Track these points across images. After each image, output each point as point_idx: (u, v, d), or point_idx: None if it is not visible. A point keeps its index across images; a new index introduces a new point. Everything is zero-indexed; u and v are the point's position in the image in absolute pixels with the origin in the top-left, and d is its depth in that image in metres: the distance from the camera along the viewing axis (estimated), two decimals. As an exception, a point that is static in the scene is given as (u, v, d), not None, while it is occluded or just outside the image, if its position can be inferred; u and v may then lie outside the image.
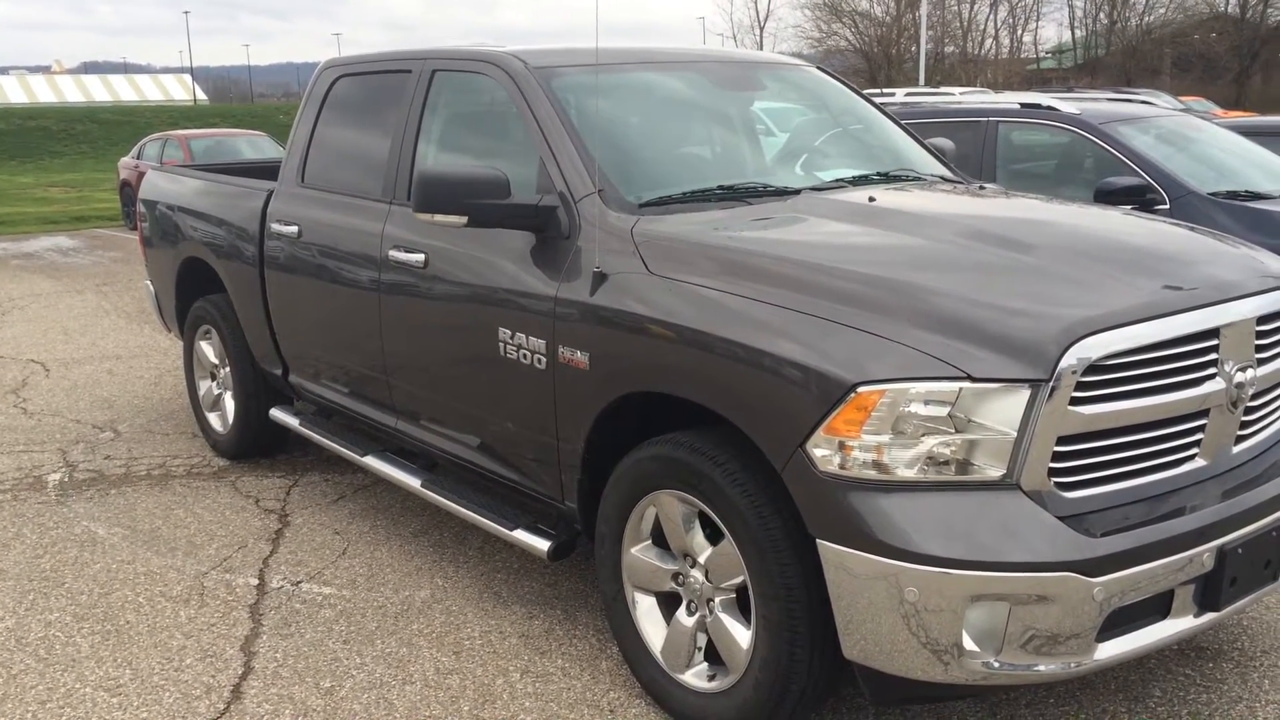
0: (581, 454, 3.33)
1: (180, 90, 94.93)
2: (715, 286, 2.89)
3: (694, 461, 2.90)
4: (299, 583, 4.17)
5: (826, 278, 2.79)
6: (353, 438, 4.65)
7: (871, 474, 2.54)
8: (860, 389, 2.51)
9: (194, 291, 5.74)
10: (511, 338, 3.48)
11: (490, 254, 3.62)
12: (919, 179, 3.95)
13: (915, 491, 2.53)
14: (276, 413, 5.11)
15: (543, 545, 3.54)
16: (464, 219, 3.43)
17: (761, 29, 53.08)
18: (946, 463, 2.50)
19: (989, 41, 60.67)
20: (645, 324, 3.00)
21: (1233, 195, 5.54)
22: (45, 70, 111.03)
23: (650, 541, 3.21)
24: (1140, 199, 5.43)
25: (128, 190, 17.74)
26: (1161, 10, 59.69)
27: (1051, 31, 64.85)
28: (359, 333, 4.31)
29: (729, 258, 2.97)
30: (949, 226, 3.12)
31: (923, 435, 2.51)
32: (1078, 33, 62.63)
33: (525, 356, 3.44)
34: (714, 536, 3.00)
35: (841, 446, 2.56)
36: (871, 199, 3.42)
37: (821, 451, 2.58)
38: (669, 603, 3.23)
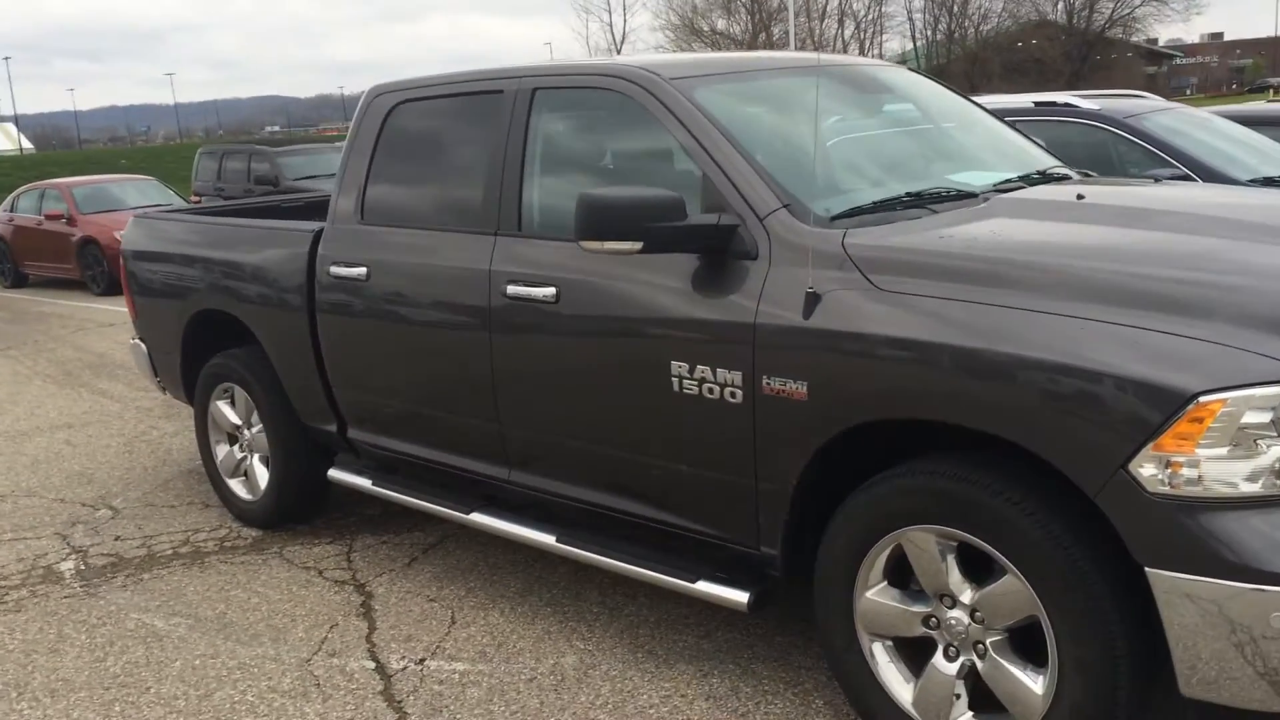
0: (791, 493, 3.05)
1: (3, 139, 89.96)
2: (980, 300, 2.65)
3: (965, 492, 2.66)
4: (422, 661, 3.74)
5: (1118, 280, 2.58)
6: (444, 494, 4.24)
7: (1212, 491, 2.34)
8: (1201, 399, 2.31)
9: (205, 348, 5.22)
10: (690, 372, 3.18)
11: (646, 282, 3.31)
12: (1070, 176, 3.80)
13: (1264, 508, 2.34)
14: (337, 473, 4.64)
15: (740, 597, 3.24)
16: (638, 245, 3.11)
17: (619, 51, 53.25)
18: None
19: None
20: (892, 345, 2.74)
21: (1269, 181, 5.60)
22: None
23: (886, 583, 2.95)
24: None
25: (1, 245, 16.53)
26: (995, 19, 62.51)
27: (896, 44, 67.13)
28: (460, 379, 3.92)
29: (985, 268, 2.74)
30: (1198, 220, 2.96)
31: (1267, 444, 2.32)
32: (919, 43, 65.02)
33: (711, 391, 3.14)
34: (976, 573, 2.77)
35: (1168, 464, 2.36)
36: (1080, 196, 3.24)
37: (1149, 471, 2.37)
38: (908, 649, 2.97)
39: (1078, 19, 62.13)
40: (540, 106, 3.78)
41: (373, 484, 4.46)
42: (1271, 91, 40.75)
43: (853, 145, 3.78)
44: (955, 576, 2.79)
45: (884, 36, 63.08)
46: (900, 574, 2.94)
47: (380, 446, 4.46)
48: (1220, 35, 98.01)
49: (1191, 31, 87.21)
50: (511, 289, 3.65)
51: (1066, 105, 6.19)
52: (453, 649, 3.81)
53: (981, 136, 4.03)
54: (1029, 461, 2.59)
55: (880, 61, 4.39)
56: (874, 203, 3.20)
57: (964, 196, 3.34)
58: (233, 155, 18.45)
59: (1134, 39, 66.44)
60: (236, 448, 5.22)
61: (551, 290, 3.54)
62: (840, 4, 56.78)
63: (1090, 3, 59.94)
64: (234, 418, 5.16)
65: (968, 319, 2.64)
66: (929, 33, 64.36)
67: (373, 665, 3.74)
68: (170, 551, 4.95)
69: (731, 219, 3.14)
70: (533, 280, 3.60)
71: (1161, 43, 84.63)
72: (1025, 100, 6.59)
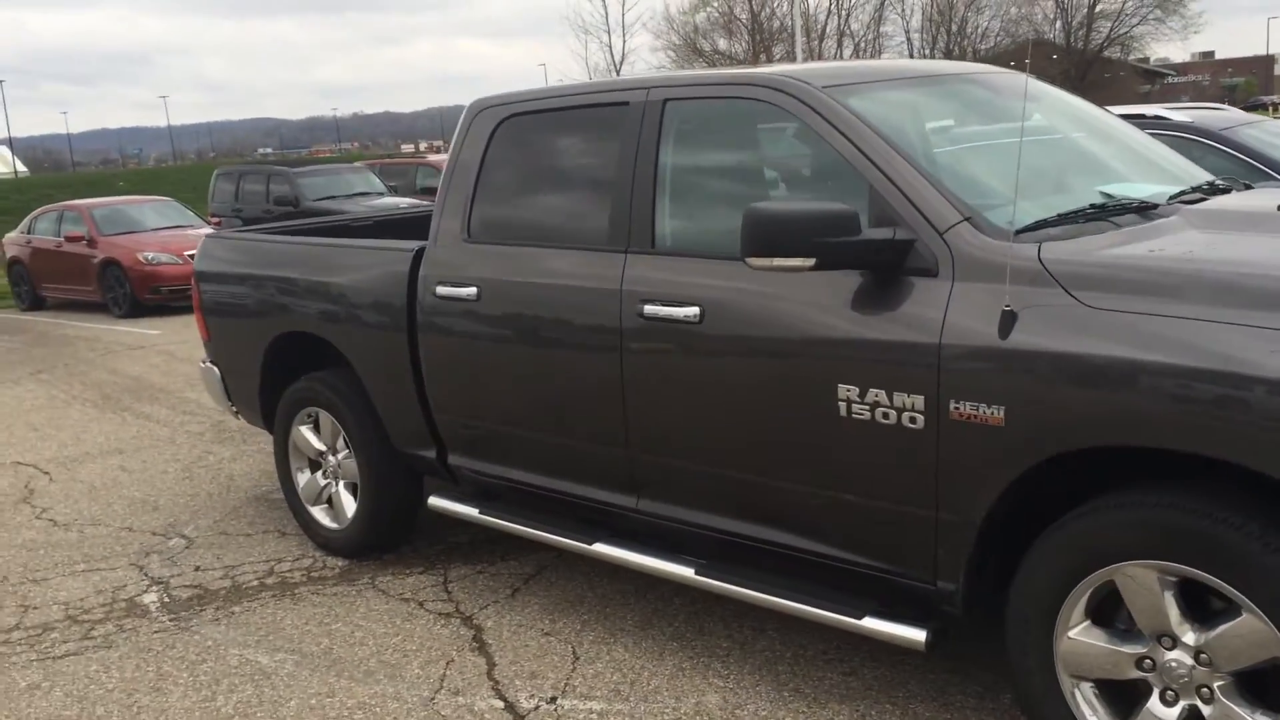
0: (979, 526, 2.87)
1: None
2: (1211, 319, 2.48)
3: (1198, 525, 2.48)
4: (554, 700, 3.55)
5: None
6: (558, 522, 4.05)
7: None
8: None
9: (287, 372, 5.04)
10: (861, 396, 3.00)
11: (805, 301, 3.14)
12: (1237, 187, 3.64)
13: None
14: (439, 501, 4.45)
15: (917, 635, 3.04)
16: (811, 261, 2.94)
17: (618, 72, 53.23)
18: None
19: (839, 74, 62.38)
20: (1111, 368, 2.55)
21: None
22: None
23: (1090, 622, 2.76)
24: None
25: (18, 268, 16.33)
26: (993, 39, 62.70)
27: (895, 63, 67.05)
28: (584, 402, 3.75)
29: (1209, 284, 2.56)
30: None
31: None
32: (918, 63, 65.00)
33: (886, 416, 2.96)
34: (1196, 611, 2.59)
35: None
36: None
37: None
38: (1112, 692, 2.78)
39: (1075, 39, 62.36)
40: (673, 118, 3.62)
41: (480, 513, 4.26)
42: (1272, 109, 40.89)
43: (1005, 156, 3.60)
44: (1176, 615, 2.60)
45: (882, 56, 63.21)
46: (1105, 612, 2.76)
47: (485, 473, 4.28)
48: (1211, 54, 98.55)
49: (1183, 51, 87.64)
50: (649, 309, 3.48)
51: (1157, 118, 6.05)
52: (583, 687, 3.62)
53: (1125, 147, 3.87)
54: (1258, 492, 2.43)
55: (1009, 71, 4.22)
56: (1059, 215, 3.03)
57: (1145, 208, 3.18)
58: (250, 176, 18.35)
59: (1131, 58, 66.73)
60: (320, 474, 5.03)
61: (694, 310, 3.37)
62: (839, 25, 56.90)
63: (1088, 22, 60.17)
64: (318, 444, 4.98)
65: (1201, 339, 2.46)
66: (927, 51, 64.56)
67: (501, 705, 3.54)
68: (256, 582, 4.75)
69: (907, 233, 2.97)
70: (672, 300, 3.43)
71: (1152, 62, 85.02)
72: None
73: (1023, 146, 3.16)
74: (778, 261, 2.96)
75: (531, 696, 3.58)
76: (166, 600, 4.62)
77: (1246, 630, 2.47)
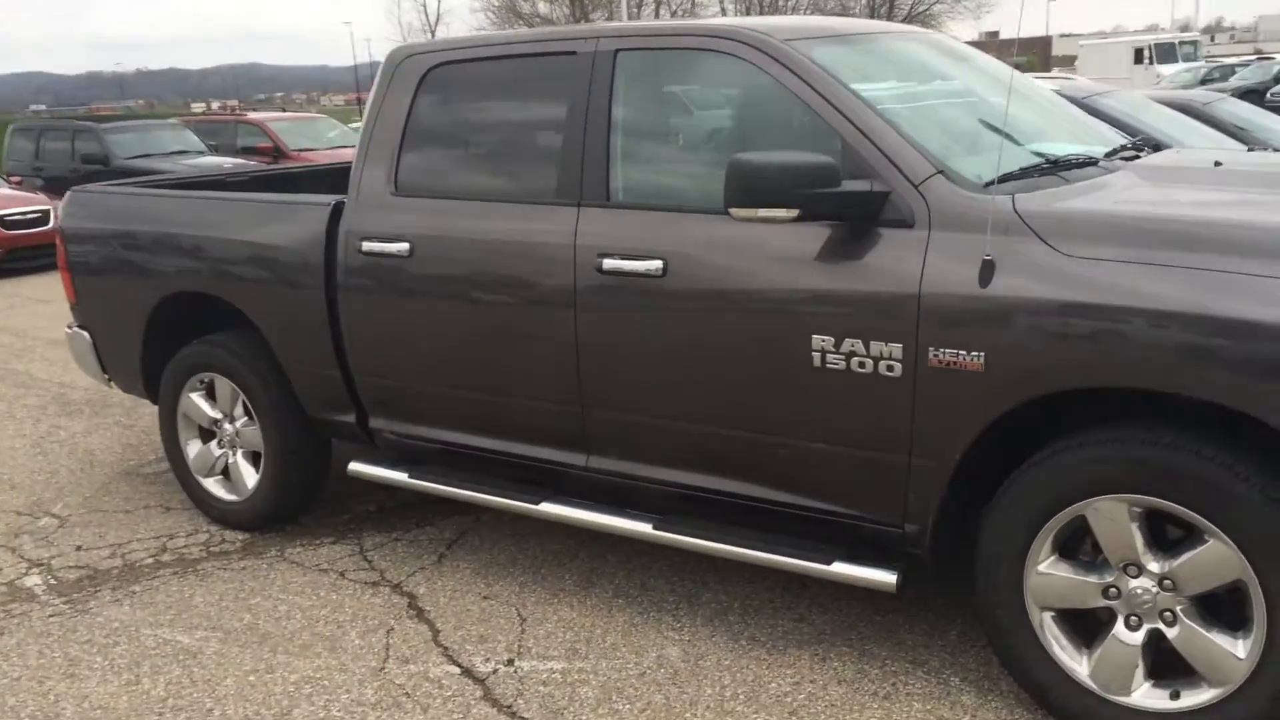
0: (952, 469, 2.97)
1: None
2: (1187, 264, 2.63)
3: (1169, 458, 2.65)
4: (511, 662, 3.49)
5: None
6: (495, 483, 3.96)
7: None
8: None
9: (171, 335, 4.73)
10: (836, 346, 3.05)
11: (775, 253, 3.16)
12: (1147, 148, 3.86)
13: None
14: (361, 467, 4.26)
15: (888, 578, 3.13)
16: (794, 212, 2.97)
17: (433, 32, 52.05)
18: None
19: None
20: (1091, 313, 2.68)
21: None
22: None
23: (1057, 555, 2.91)
24: None
25: None
26: (802, 12, 64.33)
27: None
28: (532, 359, 3.67)
29: (1179, 231, 2.71)
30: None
31: None
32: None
33: (862, 365, 3.02)
34: (1161, 541, 2.77)
35: None
36: (1218, 163, 3.29)
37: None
38: (1076, 621, 2.95)
39: (878, 15, 64.78)
40: (624, 69, 3.56)
41: (409, 476, 4.12)
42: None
43: (953, 112, 3.72)
44: (1141, 545, 2.77)
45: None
46: (1069, 546, 2.91)
47: (413, 436, 4.14)
48: (996, 34, 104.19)
49: (974, 30, 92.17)
50: (608, 263, 3.43)
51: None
52: (538, 648, 3.57)
53: (1044, 109, 4.04)
54: (1225, 427, 2.61)
55: (914, 29, 4.33)
56: (1020, 169, 3.15)
57: (1088, 164, 3.34)
58: (52, 133, 17.06)
59: (927, 37, 69.80)
60: (214, 444, 4.75)
61: (657, 264, 3.34)
62: (655, -6, 57.21)
63: (890, 4, 62.57)
64: (212, 411, 4.69)
65: (1179, 283, 2.61)
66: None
67: (457, 670, 3.46)
68: (151, 560, 4.45)
69: (882, 186, 3.03)
70: (633, 253, 3.39)
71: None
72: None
73: (978, 107, 3.27)
74: (762, 213, 2.98)
75: (487, 660, 3.51)
76: (53, 582, 4.28)
77: (1214, 555, 2.66)
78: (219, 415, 4.68)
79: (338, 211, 4.08)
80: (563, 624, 3.72)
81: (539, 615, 3.79)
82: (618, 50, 3.57)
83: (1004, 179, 3.08)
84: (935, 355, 2.90)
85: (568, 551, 4.28)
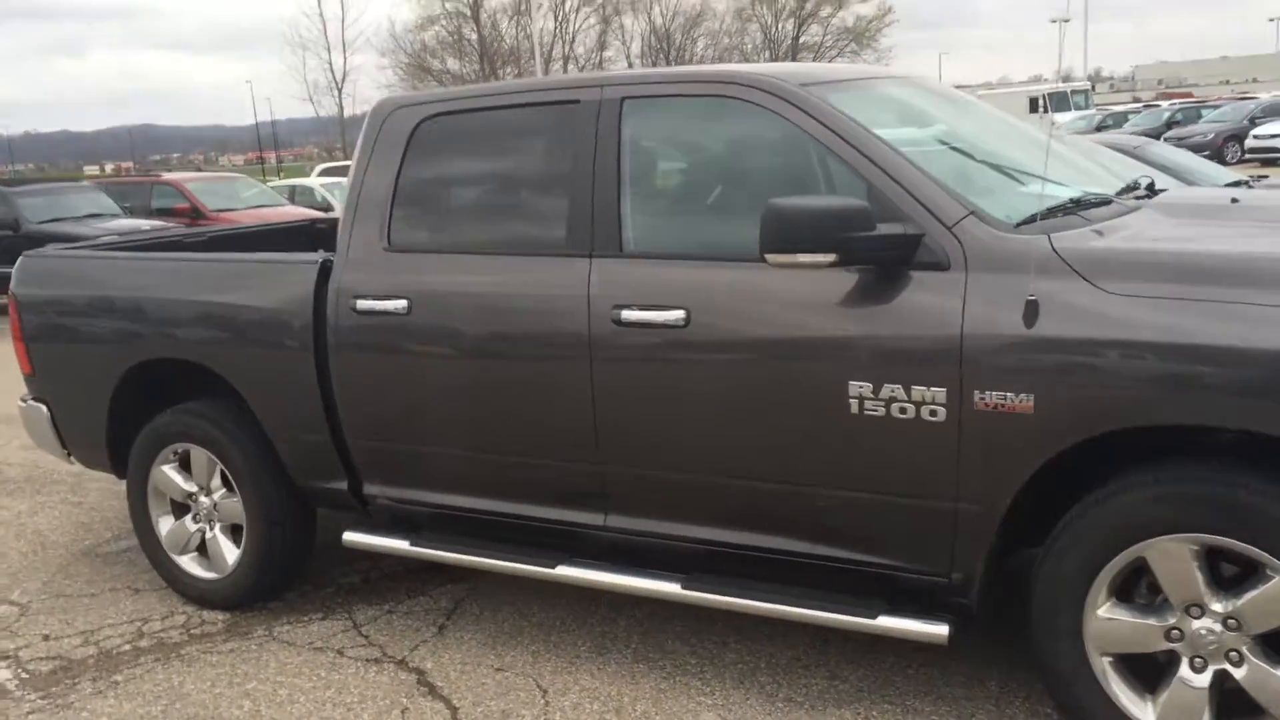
0: (1003, 514, 2.92)
1: None
2: (1234, 300, 2.62)
3: (1233, 496, 2.63)
4: (541, 738, 3.32)
5: None
6: (503, 549, 3.80)
7: None
8: None
9: (138, 405, 4.49)
10: (875, 392, 2.99)
11: (804, 299, 3.10)
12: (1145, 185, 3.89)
13: None
14: (356, 536, 4.06)
15: (939, 630, 3.05)
16: (831, 257, 2.91)
17: (340, 89, 51.81)
18: None
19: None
20: (1146, 351, 2.66)
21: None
22: None
23: (1115, 599, 2.86)
24: None
25: None
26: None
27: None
28: (545, 417, 3.54)
29: (1221, 268, 2.72)
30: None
31: None
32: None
33: (903, 411, 2.96)
34: (1221, 579, 2.74)
35: None
36: (1235, 200, 3.32)
37: None
38: (1136, 665, 2.89)
39: (780, 60, 66.26)
40: (632, 117, 3.48)
41: (411, 544, 3.93)
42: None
43: (984, 153, 3.70)
44: (1204, 585, 2.74)
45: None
46: (1125, 589, 2.87)
47: (410, 501, 3.96)
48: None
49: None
50: (627, 314, 3.33)
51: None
52: (568, 721, 3.41)
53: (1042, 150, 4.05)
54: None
55: (903, 73, 4.36)
56: (1047, 210, 3.14)
57: (1102, 203, 3.35)
58: (-45, 196, 16.36)
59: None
60: (189, 519, 4.49)
61: (679, 313, 3.26)
62: (565, 50, 57.81)
63: (793, 53, 64.08)
64: (185, 485, 4.45)
65: (1231, 319, 2.60)
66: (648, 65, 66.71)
67: (486, 750, 3.28)
68: (128, 647, 4.18)
69: (914, 228, 2.99)
70: (653, 304, 3.30)
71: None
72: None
73: (979, 148, 3.26)
74: (802, 258, 2.91)
75: (515, 737, 3.33)
76: (25, 676, 3.98)
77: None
78: (194, 488, 4.44)
79: (326, 270, 3.92)
80: (587, 694, 3.57)
81: (560, 686, 3.63)
82: (624, 98, 3.50)
83: (1031, 219, 3.07)
84: (982, 398, 2.85)
85: (575, 616, 4.12)
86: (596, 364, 3.40)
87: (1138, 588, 2.88)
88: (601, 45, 59.96)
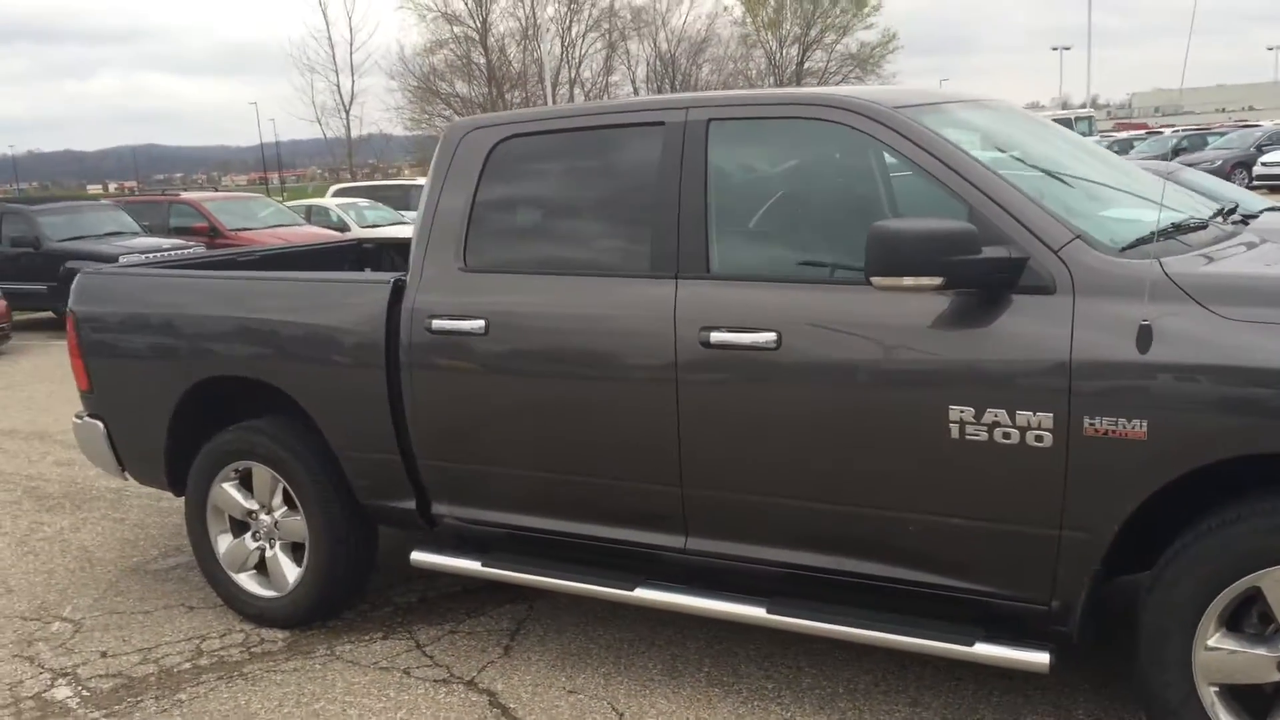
0: (1110, 541, 2.88)
1: None
2: None
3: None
4: (625, 764, 3.27)
5: None
6: (577, 570, 3.76)
7: None
8: None
9: (199, 425, 4.45)
10: (977, 417, 2.96)
11: (901, 323, 3.07)
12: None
13: None
14: (425, 556, 4.02)
15: (1040, 658, 3.01)
16: (937, 280, 2.89)
17: (348, 112, 51.86)
18: None
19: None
20: (1272, 377, 2.63)
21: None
22: None
23: (1225, 629, 2.82)
24: None
25: None
26: (713, 90, 65.78)
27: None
28: (624, 438, 3.51)
29: None
30: None
31: None
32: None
33: (1006, 435, 2.93)
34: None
35: None
36: None
37: None
38: (1237, 696, 2.85)
39: (786, 86, 66.55)
40: (719, 139, 3.47)
41: (483, 565, 3.89)
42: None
43: (1071, 174, 3.67)
44: (1313, 614, 2.71)
45: (609, 97, 64.95)
46: (1235, 618, 2.83)
47: (481, 521, 3.92)
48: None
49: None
50: (716, 336, 3.30)
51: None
52: (650, 747, 3.36)
53: (1121, 173, 4.02)
54: None
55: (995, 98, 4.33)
56: (1152, 233, 3.11)
57: (1199, 227, 3.34)
58: (-21, 214, 16.39)
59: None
60: (249, 537, 4.45)
61: (770, 336, 3.23)
62: (570, 74, 57.99)
63: (797, 79, 64.35)
64: (246, 503, 4.41)
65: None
66: (653, 91, 66.93)
67: (570, 775, 3.22)
68: (188, 665, 4.13)
69: (1019, 252, 2.97)
70: (743, 326, 3.27)
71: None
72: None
73: (1064, 171, 3.24)
74: (908, 281, 2.89)
75: (600, 762, 3.28)
76: (85, 693, 3.93)
77: (1401, 623, 2.59)
78: (255, 506, 4.40)
79: (399, 289, 3.90)
80: (663, 717, 3.51)
81: (635, 710, 3.58)
82: (710, 120, 3.48)
83: (1138, 243, 3.05)
84: (1091, 424, 2.82)
85: (642, 639, 4.08)
86: (682, 386, 3.37)
87: (1248, 617, 2.83)
88: (608, 70, 60.18)
